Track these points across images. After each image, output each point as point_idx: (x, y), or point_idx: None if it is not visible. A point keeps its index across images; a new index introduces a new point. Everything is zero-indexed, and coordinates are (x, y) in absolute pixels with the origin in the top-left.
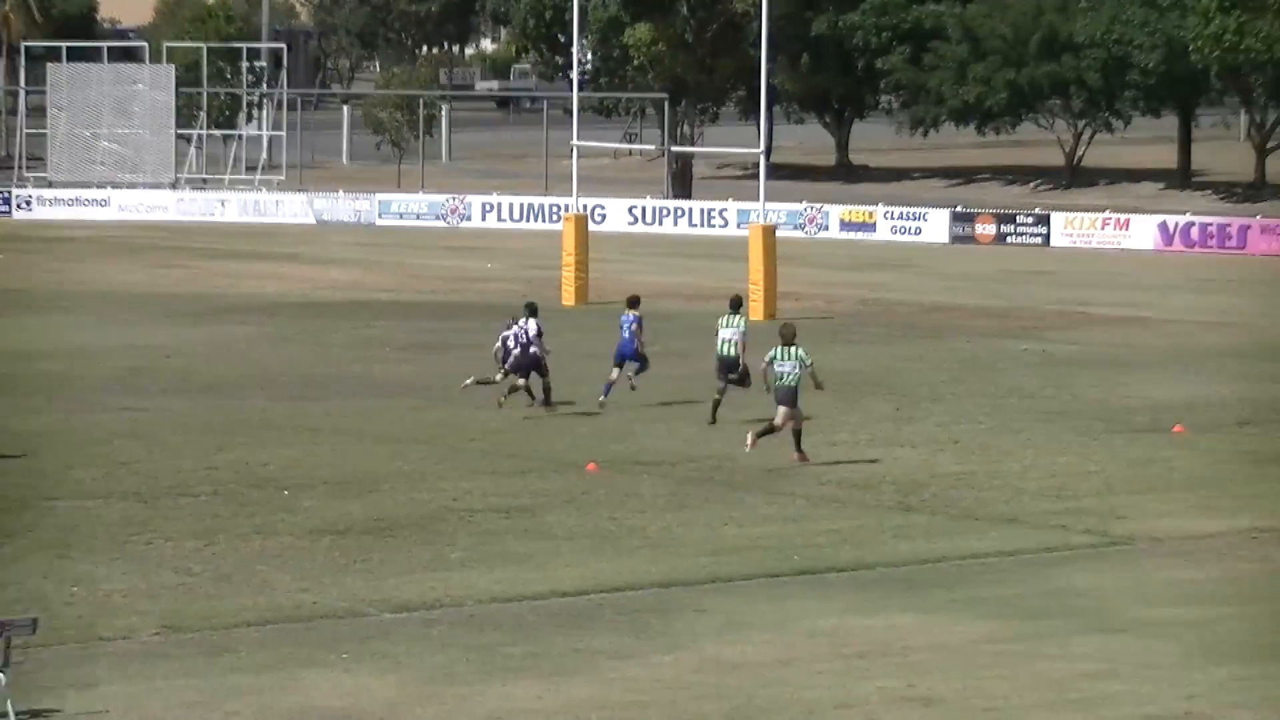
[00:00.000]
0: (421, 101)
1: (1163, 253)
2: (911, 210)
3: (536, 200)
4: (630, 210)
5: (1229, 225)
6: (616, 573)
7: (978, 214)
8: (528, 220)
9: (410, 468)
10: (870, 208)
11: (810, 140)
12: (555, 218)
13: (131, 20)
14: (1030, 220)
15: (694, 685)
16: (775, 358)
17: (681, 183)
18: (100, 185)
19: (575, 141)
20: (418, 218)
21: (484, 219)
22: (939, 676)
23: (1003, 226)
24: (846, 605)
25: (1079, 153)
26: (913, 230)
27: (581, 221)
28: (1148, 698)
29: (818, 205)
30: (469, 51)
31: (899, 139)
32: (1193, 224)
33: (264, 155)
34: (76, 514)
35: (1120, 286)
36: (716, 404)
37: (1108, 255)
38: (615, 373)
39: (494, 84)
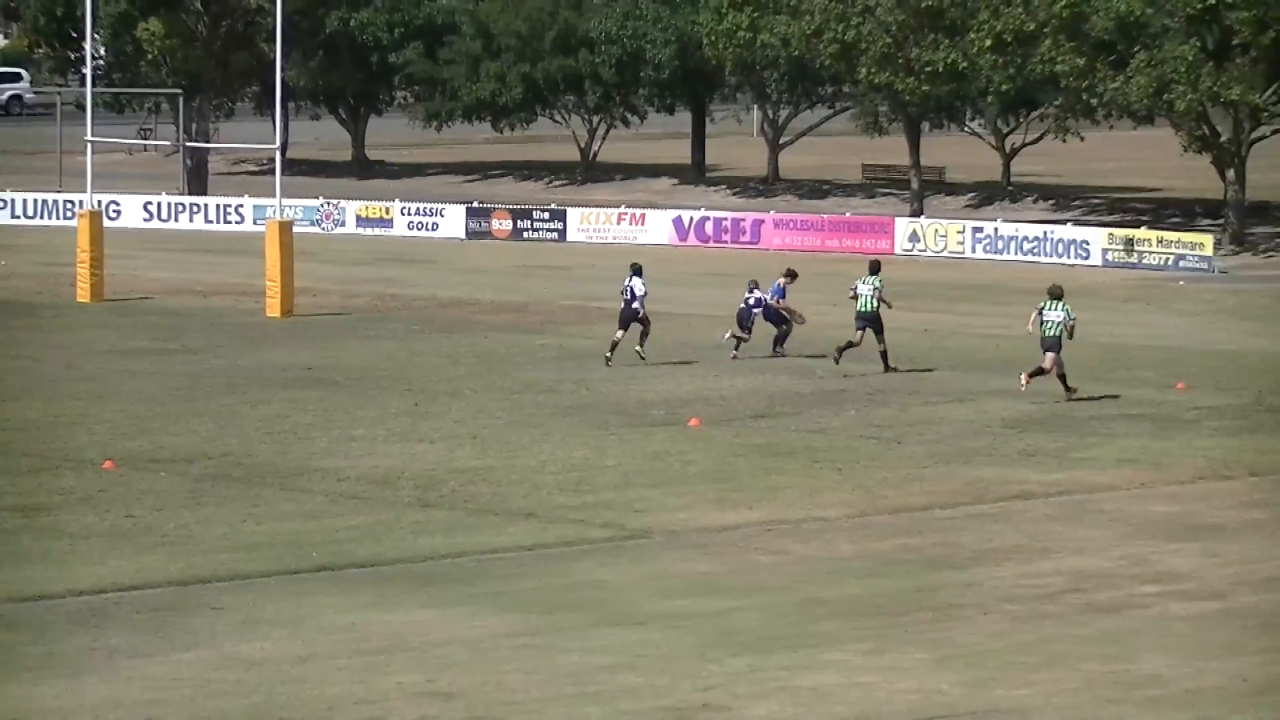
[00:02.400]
0: None
1: (678, 247)
2: (428, 206)
3: (50, 196)
4: (146, 206)
5: (743, 220)
6: (135, 570)
7: (494, 209)
8: (42, 216)
9: None
10: (387, 203)
11: (327, 136)
12: (70, 214)
13: None
14: (546, 215)
15: (213, 683)
16: (1045, 308)
17: (197, 179)
18: None
19: (89, 137)
20: None
21: None
22: (459, 671)
23: (519, 222)
24: (366, 601)
25: (594, 149)
26: (430, 226)
27: (96, 218)
28: (666, 690)
29: (335, 201)
30: None
31: (415, 135)
32: (708, 219)
33: None
34: None
35: None
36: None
37: (624, 250)
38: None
39: None
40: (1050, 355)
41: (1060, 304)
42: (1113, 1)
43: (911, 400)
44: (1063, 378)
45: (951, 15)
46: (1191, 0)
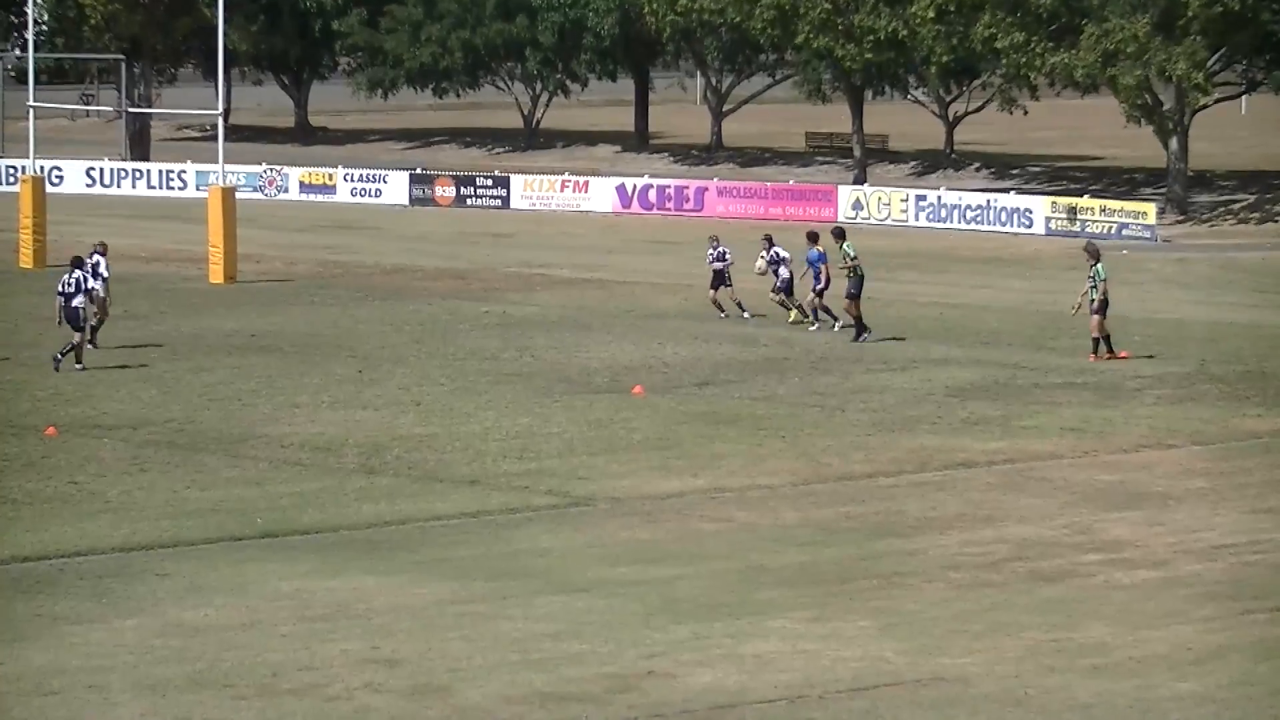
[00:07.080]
0: None
1: (621, 215)
2: (371, 172)
3: None
4: (88, 172)
5: (687, 188)
6: (78, 537)
7: (437, 176)
8: None
9: None
10: (330, 170)
11: (269, 102)
12: (12, 180)
13: None
14: (490, 183)
15: (156, 649)
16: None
17: (140, 144)
18: None
19: (31, 103)
20: None
21: None
22: (402, 638)
23: (462, 189)
24: (309, 568)
25: (537, 116)
26: (373, 192)
27: (39, 183)
28: (610, 657)
29: (277, 167)
30: None
31: (358, 101)
32: (651, 186)
33: None
34: None
35: (578, 249)
36: None
37: (567, 217)
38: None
39: None
40: (1096, 319)
41: (1099, 267)
42: None
43: (854, 368)
44: (1104, 339)
45: None
46: None
